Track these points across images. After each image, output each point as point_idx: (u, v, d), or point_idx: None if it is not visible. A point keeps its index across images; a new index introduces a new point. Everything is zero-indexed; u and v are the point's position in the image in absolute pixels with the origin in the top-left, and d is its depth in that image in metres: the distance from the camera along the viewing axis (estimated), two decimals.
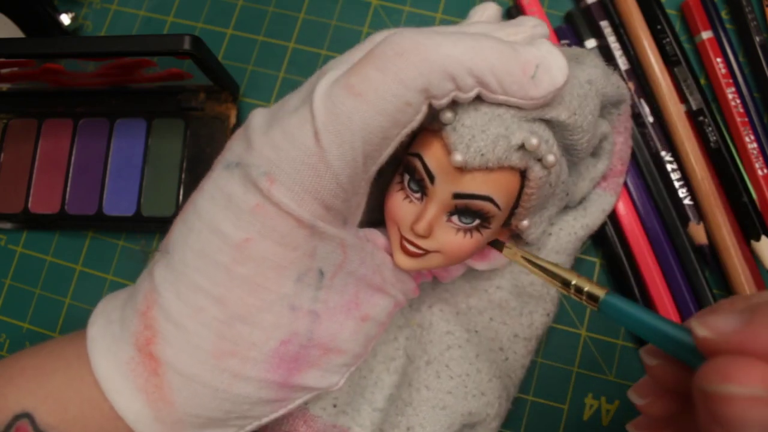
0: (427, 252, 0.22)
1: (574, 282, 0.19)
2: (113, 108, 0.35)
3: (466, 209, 0.21)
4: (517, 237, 0.25)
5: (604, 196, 0.28)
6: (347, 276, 0.21)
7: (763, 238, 0.29)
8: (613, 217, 0.30)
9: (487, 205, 0.21)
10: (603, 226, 0.30)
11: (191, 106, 0.34)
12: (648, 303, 0.29)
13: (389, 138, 0.19)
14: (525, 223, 0.23)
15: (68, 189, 0.34)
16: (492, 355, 0.27)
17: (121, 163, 0.34)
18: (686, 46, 0.33)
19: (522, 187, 0.21)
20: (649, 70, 0.32)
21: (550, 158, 0.20)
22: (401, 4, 0.36)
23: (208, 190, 0.20)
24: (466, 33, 0.19)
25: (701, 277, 0.29)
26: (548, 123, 0.21)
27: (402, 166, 0.22)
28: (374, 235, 0.23)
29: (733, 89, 0.31)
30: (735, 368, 0.13)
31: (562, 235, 0.28)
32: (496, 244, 0.23)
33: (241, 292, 0.19)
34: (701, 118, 0.31)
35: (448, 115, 0.20)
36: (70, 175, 0.34)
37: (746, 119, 0.31)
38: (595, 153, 0.26)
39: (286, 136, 0.19)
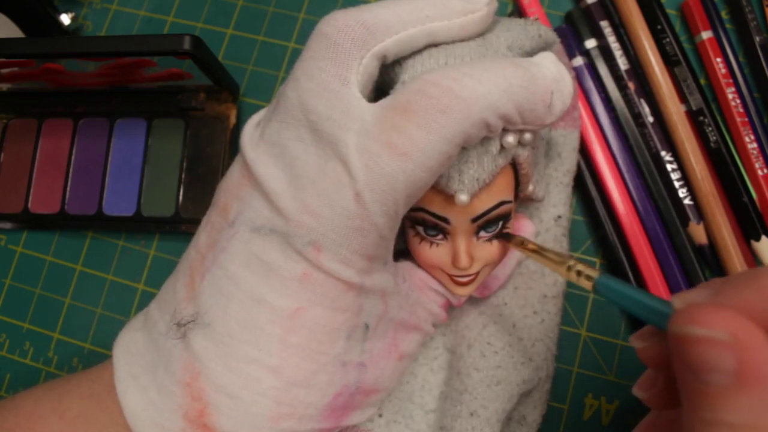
0: (478, 273, 0.23)
1: (571, 264, 0.21)
2: (113, 108, 0.35)
3: (488, 222, 0.22)
4: (524, 200, 0.26)
5: (569, 135, 0.29)
6: (387, 323, 0.22)
7: (763, 238, 0.29)
8: (613, 217, 0.30)
9: (503, 208, 0.22)
10: (602, 227, 0.30)
11: (191, 106, 0.34)
12: None
13: (429, 185, 0.19)
14: (530, 187, 0.24)
15: (68, 189, 0.34)
16: (527, 320, 0.27)
17: (121, 163, 0.34)
18: (686, 46, 0.33)
19: (516, 170, 0.22)
20: (649, 70, 0.32)
21: (527, 136, 0.21)
22: None
23: (238, 255, 0.19)
24: (490, 60, 0.19)
25: (701, 277, 0.29)
26: None
27: (410, 221, 0.23)
28: (410, 270, 0.24)
29: (733, 89, 0.31)
30: (702, 313, 0.14)
31: (552, 189, 0.29)
32: (506, 237, 0.24)
33: (297, 360, 0.19)
34: (701, 118, 0.31)
35: None
36: (70, 175, 0.34)
37: (746, 119, 0.31)
38: None
39: (323, 200, 0.18)
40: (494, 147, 0.20)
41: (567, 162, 0.29)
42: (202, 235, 0.21)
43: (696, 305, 0.15)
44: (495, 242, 0.23)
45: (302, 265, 0.19)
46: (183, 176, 0.33)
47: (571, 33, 0.33)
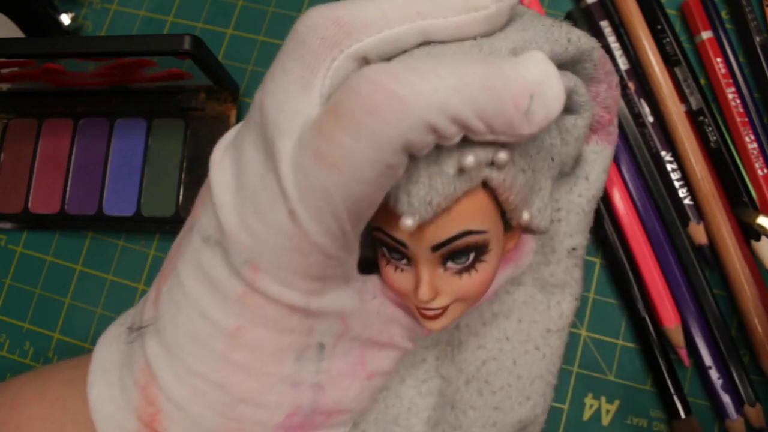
0: (447, 307, 0.20)
1: None
2: (113, 108, 0.35)
3: (454, 252, 0.19)
4: (530, 231, 0.23)
5: (601, 152, 0.25)
6: (350, 341, 0.20)
7: (763, 238, 0.29)
8: (612, 217, 0.30)
9: (470, 239, 0.18)
10: (602, 227, 0.30)
11: (191, 106, 0.34)
12: (648, 303, 0.29)
13: (376, 199, 0.16)
14: (525, 216, 0.20)
15: (68, 189, 0.34)
16: (528, 357, 0.25)
17: (121, 163, 0.34)
18: (686, 46, 0.33)
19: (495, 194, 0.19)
20: (649, 70, 0.32)
21: (502, 157, 0.17)
22: None
23: (190, 264, 0.18)
24: (444, 57, 0.16)
25: (701, 277, 0.29)
26: None
27: (377, 239, 0.20)
28: (382, 284, 0.21)
29: (733, 89, 0.31)
30: None
31: (572, 217, 0.25)
32: (742, 213, 0.20)
33: (241, 377, 0.18)
34: (701, 118, 0.31)
35: None
36: (70, 175, 0.34)
37: (746, 119, 0.31)
38: (569, 109, 0.23)
39: (259, 217, 0.16)
40: (450, 167, 0.17)
41: (594, 186, 0.25)
42: (177, 238, 0.21)
43: None
44: (467, 276, 0.19)
45: (240, 285, 0.17)
46: (183, 176, 0.33)
47: None
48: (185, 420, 0.19)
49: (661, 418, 0.29)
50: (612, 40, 0.32)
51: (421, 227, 0.18)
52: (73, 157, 0.34)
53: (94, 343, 0.33)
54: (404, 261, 0.19)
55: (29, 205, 0.34)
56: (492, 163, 0.17)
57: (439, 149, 0.16)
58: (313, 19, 0.16)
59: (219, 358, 0.18)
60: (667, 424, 0.29)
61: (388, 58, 0.17)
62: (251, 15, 0.36)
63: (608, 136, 0.25)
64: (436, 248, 0.18)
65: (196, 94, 0.34)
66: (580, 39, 0.20)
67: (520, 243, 0.24)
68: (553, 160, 0.21)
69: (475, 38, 0.18)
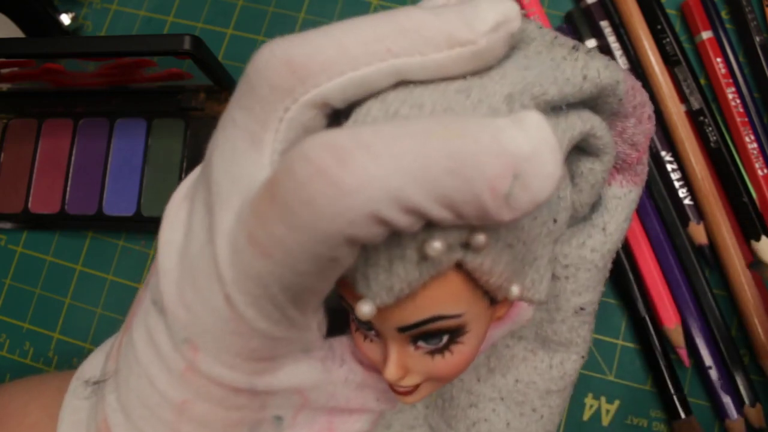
0: (418, 385, 0.18)
1: None
2: (113, 108, 0.35)
3: (424, 335, 0.16)
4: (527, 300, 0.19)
5: (625, 197, 0.21)
6: (313, 412, 0.18)
7: (763, 238, 0.29)
8: None
9: (441, 324, 0.16)
10: None
11: (191, 106, 0.34)
12: (648, 303, 0.29)
13: (321, 289, 0.14)
14: (515, 290, 0.17)
15: (68, 189, 0.34)
16: (524, 419, 0.23)
17: (121, 163, 0.34)
18: (686, 46, 0.33)
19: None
20: (649, 70, 0.32)
21: (479, 240, 0.14)
22: (401, 4, 0.36)
23: (140, 325, 0.17)
24: (420, 122, 0.13)
25: (701, 277, 0.29)
26: None
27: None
28: (353, 347, 0.19)
29: (733, 89, 0.31)
30: None
31: (581, 275, 0.21)
32: (758, 267, 0.18)
33: None
34: (701, 118, 0.31)
35: None
36: (70, 175, 0.34)
37: (746, 119, 0.31)
38: (584, 151, 0.20)
39: (197, 295, 0.15)
40: (411, 253, 0.14)
41: (612, 240, 0.21)
42: (141, 289, 0.19)
43: None
44: (441, 357, 0.17)
45: (182, 361, 0.16)
46: (183, 176, 0.33)
47: (571, 33, 0.33)
48: None
49: (661, 418, 0.29)
50: (612, 40, 0.32)
51: (384, 309, 0.15)
52: (73, 157, 0.34)
53: (94, 343, 0.33)
54: (372, 332, 0.17)
55: (29, 205, 0.34)
56: (467, 245, 0.14)
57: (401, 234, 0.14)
58: (262, 62, 0.14)
59: (168, 428, 0.17)
60: (667, 424, 0.29)
61: (357, 102, 0.15)
62: (251, 15, 0.36)
63: (635, 177, 0.21)
64: (402, 330, 0.16)
65: (196, 94, 0.34)
66: (600, 74, 0.16)
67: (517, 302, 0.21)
68: (555, 222, 0.17)
69: (464, 77, 0.15)
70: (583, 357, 0.23)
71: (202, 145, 0.33)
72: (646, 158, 0.21)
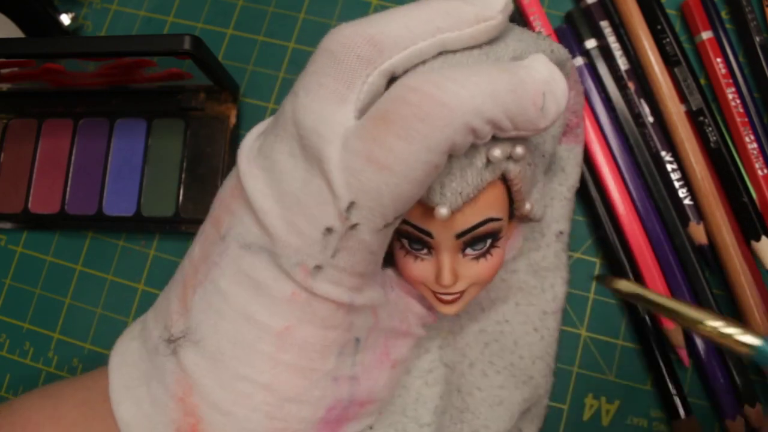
0: (463, 291, 0.23)
1: (714, 324, 0.18)
2: (113, 108, 0.35)
3: (474, 239, 0.21)
4: (523, 219, 0.25)
5: (573, 150, 0.29)
6: (378, 333, 0.22)
7: (763, 238, 0.29)
8: (613, 217, 0.30)
9: (490, 226, 0.21)
10: (602, 227, 0.30)
11: (191, 106, 0.34)
12: None
13: (418, 196, 0.18)
14: (527, 206, 0.23)
15: (68, 189, 0.34)
16: (528, 338, 0.27)
17: (121, 163, 0.34)
18: (686, 46, 0.33)
19: (508, 186, 0.21)
20: (649, 70, 0.32)
21: (519, 151, 0.20)
22: (401, 4, 0.36)
23: (229, 271, 0.19)
24: (466, 66, 0.18)
25: (701, 277, 0.29)
26: None
27: (395, 233, 0.22)
28: (397, 277, 0.23)
29: (733, 89, 0.31)
30: None
31: (555, 204, 0.28)
32: (602, 280, 0.22)
33: (288, 376, 0.19)
34: (701, 118, 0.31)
35: None
36: (70, 175, 0.34)
37: (746, 119, 0.31)
38: None
39: (309, 220, 0.17)
40: (479, 160, 0.19)
41: (571, 177, 0.28)
42: (197, 247, 0.21)
43: None
44: (484, 260, 0.22)
45: (291, 286, 0.18)
46: (183, 176, 0.33)
47: (571, 33, 0.33)
48: (229, 425, 0.19)
49: (661, 418, 0.29)
50: (612, 40, 0.32)
51: (449, 216, 0.20)
52: (73, 157, 0.34)
53: (94, 343, 0.33)
54: (424, 251, 0.22)
55: (29, 205, 0.34)
56: (509, 157, 0.20)
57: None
58: (348, 38, 0.18)
59: (267, 360, 0.19)
60: (667, 424, 0.29)
61: (407, 70, 0.19)
62: (251, 15, 0.36)
63: (576, 138, 0.29)
64: (460, 235, 0.21)
65: (196, 94, 0.34)
66: (559, 50, 0.23)
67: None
68: (543, 156, 0.24)
69: (480, 46, 0.20)
70: (566, 282, 0.28)
71: (202, 145, 0.33)
72: (582, 124, 0.29)
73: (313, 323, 0.19)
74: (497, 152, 0.19)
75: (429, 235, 0.21)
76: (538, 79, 0.18)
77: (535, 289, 0.28)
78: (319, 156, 0.17)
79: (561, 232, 0.28)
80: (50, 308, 0.34)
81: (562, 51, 0.23)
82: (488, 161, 0.19)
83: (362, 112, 0.18)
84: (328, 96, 0.18)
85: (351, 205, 0.17)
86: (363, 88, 0.18)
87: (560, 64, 0.23)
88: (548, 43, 0.22)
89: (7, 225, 0.35)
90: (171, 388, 0.19)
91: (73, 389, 0.22)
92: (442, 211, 0.19)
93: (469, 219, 0.20)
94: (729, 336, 0.18)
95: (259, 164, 0.19)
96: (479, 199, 0.20)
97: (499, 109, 0.17)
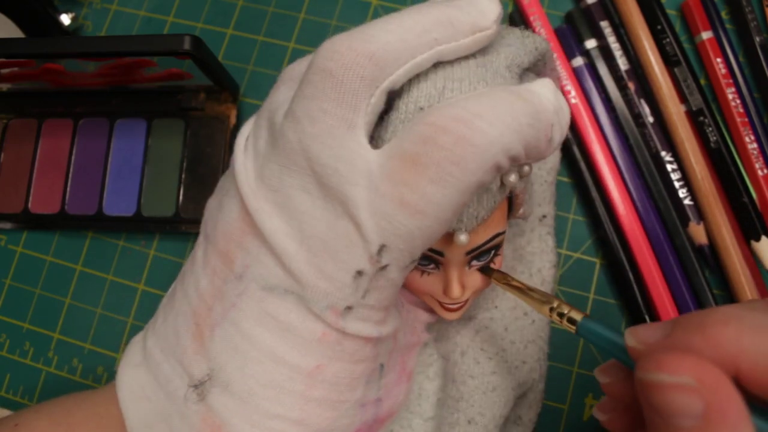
0: (467, 300, 0.23)
1: (555, 305, 0.21)
2: (113, 108, 0.35)
3: (482, 253, 0.22)
4: (518, 218, 0.26)
5: None
6: (396, 352, 0.23)
7: (763, 238, 0.29)
8: (613, 217, 0.30)
9: (497, 240, 0.22)
10: (602, 227, 0.30)
11: (191, 106, 0.34)
12: (648, 304, 0.29)
13: (443, 234, 0.18)
14: (522, 212, 0.23)
15: (68, 189, 0.34)
16: (518, 322, 0.28)
17: (121, 163, 0.34)
18: (686, 46, 0.33)
19: (509, 197, 0.22)
20: (649, 70, 0.32)
21: (527, 170, 0.20)
22: (401, 4, 0.36)
23: (252, 313, 0.19)
24: (496, 94, 0.17)
25: (701, 277, 0.29)
26: None
27: None
28: (403, 291, 0.24)
29: (733, 89, 0.31)
30: (667, 359, 0.15)
31: (536, 188, 0.29)
32: (486, 270, 0.23)
33: (319, 411, 0.19)
34: (701, 118, 0.31)
35: None
36: (70, 175, 0.34)
37: (746, 119, 0.31)
38: None
39: (338, 264, 0.17)
40: (494, 184, 0.19)
41: (550, 160, 0.29)
42: (203, 281, 0.20)
43: (662, 353, 0.15)
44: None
45: (321, 327, 0.18)
46: (183, 176, 0.33)
47: (571, 33, 0.33)
48: None
49: None
50: (612, 40, 0.32)
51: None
52: (73, 157, 0.34)
53: (94, 343, 0.33)
54: (432, 266, 0.22)
55: (29, 205, 0.34)
56: (518, 175, 0.20)
57: None
58: (347, 57, 0.17)
59: (298, 398, 0.19)
60: None
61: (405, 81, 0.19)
62: (251, 15, 0.36)
63: None
64: (470, 252, 0.21)
65: (196, 94, 0.34)
66: (541, 44, 0.23)
67: None
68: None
69: (474, 56, 0.19)
70: (554, 266, 0.29)
71: (202, 145, 0.33)
72: None
73: (342, 360, 0.19)
74: (513, 177, 0.19)
75: (440, 254, 0.21)
76: (549, 110, 0.18)
77: (522, 274, 0.28)
78: (343, 198, 0.17)
79: (544, 216, 0.28)
80: (50, 308, 0.34)
81: (543, 44, 0.23)
82: (502, 185, 0.20)
83: (369, 133, 0.18)
84: (336, 124, 0.17)
85: (382, 248, 0.17)
86: (367, 110, 0.17)
87: (542, 56, 0.23)
88: (532, 40, 0.22)
89: (7, 225, 0.35)
90: (197, 427, 0.19)
91: (84, 416, 0.22)
92: (462, 237, 0.20)
93: (480, 237, 0.21)
94: (563, 316, 0.20)
95: (269, 198, 0.18)
96: (490, 219, 0.21)
97: (522, 145, 0.17)
